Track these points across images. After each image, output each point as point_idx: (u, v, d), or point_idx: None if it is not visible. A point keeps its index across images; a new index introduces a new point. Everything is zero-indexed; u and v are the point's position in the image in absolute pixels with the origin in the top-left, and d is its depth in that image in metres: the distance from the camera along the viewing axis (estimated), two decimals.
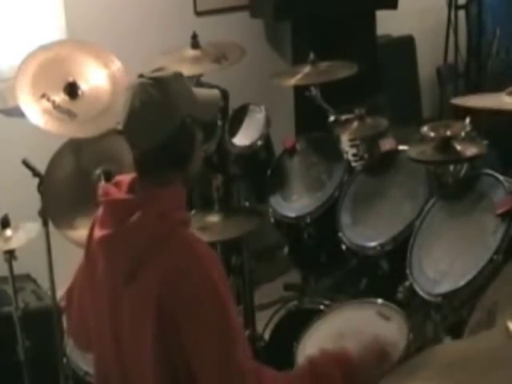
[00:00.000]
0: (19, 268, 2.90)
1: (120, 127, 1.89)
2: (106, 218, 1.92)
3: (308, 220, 2.97)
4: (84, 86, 2.84)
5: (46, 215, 2.75)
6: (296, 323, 2.51)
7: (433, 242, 2.48)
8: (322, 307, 2.70)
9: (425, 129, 2.64)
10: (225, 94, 3.58)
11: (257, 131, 3.25)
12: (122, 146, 2.60)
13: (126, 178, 1.95)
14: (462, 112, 2.74)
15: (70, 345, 2.79)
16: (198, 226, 2.73)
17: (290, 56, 4.42)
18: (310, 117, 3.30)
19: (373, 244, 2.68)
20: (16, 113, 2.81)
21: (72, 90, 2.80)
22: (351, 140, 3.11)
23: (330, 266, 3.08)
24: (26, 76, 2.78)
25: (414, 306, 2.42)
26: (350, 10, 4.22)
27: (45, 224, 2.75)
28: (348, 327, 2.36)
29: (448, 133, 2.54)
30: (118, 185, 1.95)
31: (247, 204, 3.27)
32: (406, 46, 5.03)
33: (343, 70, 3.15)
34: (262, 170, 3.20)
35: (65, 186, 2.87)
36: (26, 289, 3.31)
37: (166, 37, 3.91)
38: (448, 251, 2.42)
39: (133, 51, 3.54)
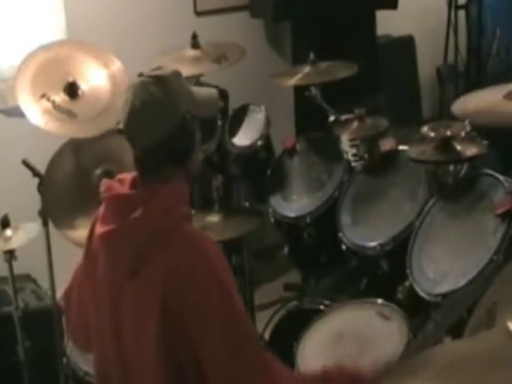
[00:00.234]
0: (19, 268, 2.90)
1: (121, 126, 1.89)
2: (109, 213, 1.92)
3: (308, 220, 2.98)
4: (84, 86, 2.84)
5: (45, 215, 2.75)
6: (296, 323, 2.51)
7: (433, 242, 2.48)
8: (321, 307, 2.70)
9: (425, 129, 2.64)
10: (225, 94, 3.57)
11: (257, 131, 3.25)
12: (121, 145, 2.60)
13: (128, 175, 1.96)
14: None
15: (70, 345, 2.78)
16: (198, 226, 2.73)
17: (290, 56, 4.42)
18: (310, 117, 3.30)
19: (373, 244, 2.68)
20: (16, 113, 2.81)
21: (72, 89, 2.80)
22: (351, 140, 3.11)
23: (329, 266, 3.08)
24: (26, 76, 2.78)
25: (413, 306, 2.42)
26: (350, 10, 4.22)
27: (45, 224, 2.75)
28: (348, 327, 2.37)
29: (448, 133, 2.54)
30: (120, 181, 1.96)
31: (247, 204, 3.27)
32: (406, 45, 5.02)
33: (343, 70, 3.15)
34: (262, 170, 3.20)
35: (65, 186, 2.87)
36: (25, 289, 3.31)
37: (166, 37, 3.91)
38: (448, 251, 2.42)
39: (133, 51, 3.54)
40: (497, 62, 4.68)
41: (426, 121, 3.84)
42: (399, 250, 2.54)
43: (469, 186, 2.54)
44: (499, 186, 2.42)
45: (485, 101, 2.64)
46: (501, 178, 2.44)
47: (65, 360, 2.84)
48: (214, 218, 2.88)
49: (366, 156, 3.00)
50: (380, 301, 2.42)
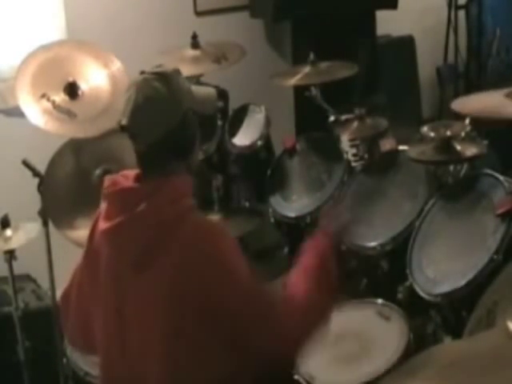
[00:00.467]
0: (19, 268, 2.90)
1: (123, 123, 1.90)
2: (113, 208, 1.92)
3: (308, 220, 2.97)
4: (84, 86, 2.84)
5: (46, 215, 2.75)
6: None
7: (433, 242, 2.48)
8: None
9: (425, 129, 2.64)
10: (225, 94, 3.57)
11: (257, 131, 3.25)
12: (122, 145, 2.61)
13: (131, 172, 1.97)
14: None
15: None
16: None
17: (290, 56, 4.42)
18: (310, 117, 3.30)
19: (373, 244, 2.68)
20: (16, 113, 2.81)
21: (72, 89, 2.80)
22: (351, 140, 3.11)
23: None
24: (26, 76, 2.78)
25: (413, 306, 2.42)
26: (350, 10, 4.22)
27: (45, 224, 2.75)
28: (348, 327, 2.36)
29: (448, 133, 2.54)
30: (124, 177, 1.97)
31: (247, 204, 3.27)
32: (406, 45, 5.02)
33: (343, 70, 3.15)
34: (262, 170, 3.20)
35: (65, 186, 2.87)
36: (25, 289, 3.31)
37: (166, 37, 3.91)
38: (448, 251, 2.42)
39: (132, 51, 3.53)
40: (497, 61, 4.67)
41: (426, 121, 3.84)
42: (399, 250, 2.54)
43: (469, 186, 2.54)
44: (499, 185, 2.42)
45: (485, 100, 2.64)
46: (501, 178, 2.44)
47: (65, 360, 2.83)
48: (214, 218, 2.88)
49: (366, 156, 3.00)
50: (380, 301, 2.42)
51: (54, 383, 2.86)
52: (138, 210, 1.85)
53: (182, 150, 1.94)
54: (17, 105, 2.75)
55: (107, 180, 1.97)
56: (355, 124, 2.98)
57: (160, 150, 1.89)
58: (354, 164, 3.07)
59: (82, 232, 2.67)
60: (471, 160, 2.59)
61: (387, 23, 4.68)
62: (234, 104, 3.47)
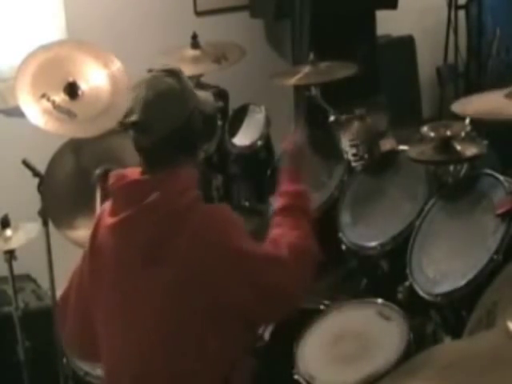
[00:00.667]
0: (19, 268, 2.90)
1: (132, 119, 1.91)
2: (122, 201, 1.93)
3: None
4: (84, 86, 2.84)
5: (46, 215, 2.75)
6: (296, 323, 2.50)
7: (433, 242, 2.48)
8: (322, 307, 2.70)
9: (425, 129, 2.63)
10: (225, 94, 3.58)
11: (257, 131, 3.25)
12: (122, 145, 2.61)
13: (136, 169, 1.98)
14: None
15: None
16: None
17: (290, 56, 4.42)
18: (310, 117, 3.30)
19: (373, 244, 2.68)
20: (16, 113, 2.81)
21: (72, 90, 2.80)
22: (351, 140, 3.11)
23: (330, 266, 3.08)
24: (25, 76, 2.77)
25: (413, 306, 2.42)
26: (350, 10, 4.22)
27: (45, 224, 2.75)
28: (348, 327, 2.36)
29: (448, 133, 2.54)
30: (130, 172, 1.99)
31: (247, 204, 3.27)
32: (406, 45, 5.02)
33: (343, 70, 3.15)
34: (262, 170, 3.20)
35: (65, 186, 2.87)
36: (25, 289, 3.31)
37: (166, 37, 3.91)
38: (448, 251, 2.42)
39: (133, 51, 3.54)
40: (497, 61, 4.67)
41: (426, 121, 3.83)
42: (399, 250, 2.54)
43: (469, 186, 2.54)
44: (499, 185, 2.42)
45: (485, 101, 2.64)
46: (501, 177, 2.44)
47: (65, 360, 2.83)
48: None
49: (366, 156, 3.00)
50: (380, 301, 2.42)
51: (54, 383, 2.86)
52: (149, 199, 1.86)
53: (189, 145, 1.98)
54: (17, 105, 2.75)
55: (113, 176, 1.98)
56: (355, 124, 2.98)
57: (169, 144, 1.92)
58: (353, 164, 3.06)
59: (81, 232, 2.68)
60: (471, 160, 2.58)
61: (387, 23, 4.68)
62: (234, 104, 3.47)
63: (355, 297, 2.60)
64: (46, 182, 2.75)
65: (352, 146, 3.12)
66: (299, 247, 2.05)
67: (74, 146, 2.87)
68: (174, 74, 1.96)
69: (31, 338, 2.86)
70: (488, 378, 1.15)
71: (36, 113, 2.72)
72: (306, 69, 3.19)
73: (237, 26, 4.35)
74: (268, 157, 3.26)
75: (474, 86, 4.46)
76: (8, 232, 2.78)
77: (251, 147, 3.21)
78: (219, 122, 3.29)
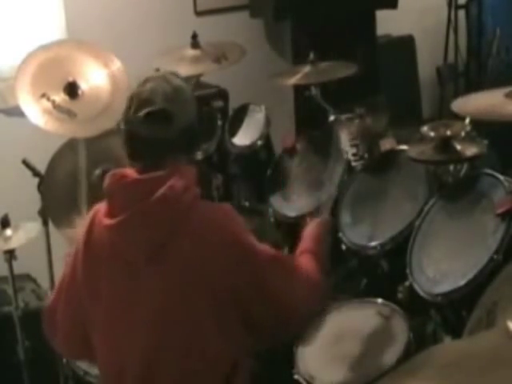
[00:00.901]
0: (19, 268, 2.90)
1: (153, 108, 1.91)
2: (121, 202, 1.92)
3: (308, 219, 2.97)
4: (84, 86, 2.84)
5: (45, 215, 2.75)
6: None
7: (433, 241, 2.48)
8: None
9: (425, 129, 2.63)
10: (225, 94, 3.58)
11: (257, 131, 3.25)
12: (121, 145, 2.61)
13: (131, 169, 1.97)
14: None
15: None
16: None
17: (290, 56, 4.42)
18: (310, 117, 3.30)
19: (373, 244, 2.67)
20: (16, 113, 2.81)
21: (72, 89, 2.80)
22: (351, 140, 3.11)
23: (329, 266, 3.08)
24: (25, 76, 2.78)
25: (413, 306, 2.42)
26: (350, 10, 4.22)
27: (45, 224, 2.75)
28: (348, 327, 2.36)
29: (448, 133, 2.54)
30: (129, 171, 1.98)
31: (247, 204, 3.27)
32: (406, 45, 5.02)
33: (343, 70, 3.15)
34: (262, 170, 3.20)
35: (65, 185, 2.87)
36: (25, 289, 3.31)
37: (166, 37, 3.91)
38: (448, 251, 2.42)
39: (132, 51, 3.54)
40: (497, 61, 4.67)
41: (426, 121, 3.83)
42: (399, 250, 2.54)
43: (469, 185, 2.54)
44: (499, 186, 2.41)
45: (485, 100, 2.64)
46: (501, 177, 2.43)
47: (65, 360, 2.83)
48: None
49: (366, 156, 3.00)
50: (380, 301, 2.42)
51: (54, 383, 2.87)
52: (157, 194, 1.86)
53: (194, 143, 2.03)
54: (17, 104, 2.75)
55: (111, 176, 1.97)
56: (355, 124, 2.98)
57: (183, 137, 1.95)
58: (353, 164, 3.06)
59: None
60: (471, 160, 2.58)
61: (387, 23, 4.68)
62: (234, 104, 3.47)
63: (355, 297, 2.60)
64: (45, 182, 2.75)
65: (352, 145, 3.12)
66: (313, 268, 2.17)
67: (74, 146, 2.87)
68: (179, 76, 2.02)
69: (31, 338, 2.86)
70: (488, 378, 1.15)
71: (36, 112, 2.72)
72: (306, 69, 3.19)
73: (237, 25, 4.35)
74: (268, 157, 3.25)
75: (474, 85, 4.46)
76: (8, 232, 2.78)
77: (251, 147, 3.21)
78: (219, 122, 3.29)
